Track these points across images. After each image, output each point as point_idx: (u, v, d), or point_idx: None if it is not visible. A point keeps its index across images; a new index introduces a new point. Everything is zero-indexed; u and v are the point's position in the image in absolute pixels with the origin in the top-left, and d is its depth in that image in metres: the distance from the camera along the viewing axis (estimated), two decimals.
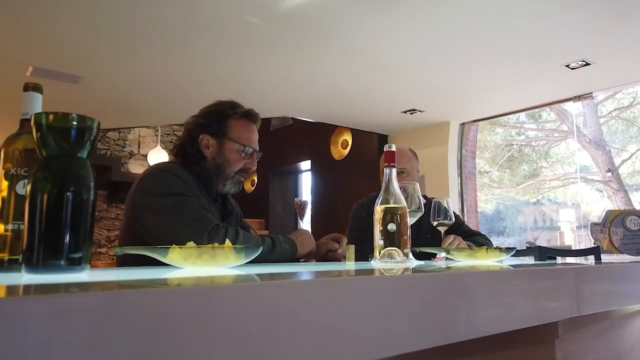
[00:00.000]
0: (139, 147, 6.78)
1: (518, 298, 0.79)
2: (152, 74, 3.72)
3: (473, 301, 0.70)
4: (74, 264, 0.62)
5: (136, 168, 6.56)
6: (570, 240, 4.50)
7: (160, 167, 1.48)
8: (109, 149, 6.56)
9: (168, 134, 7.05)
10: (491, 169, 8.13)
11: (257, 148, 1.56)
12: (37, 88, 0.75)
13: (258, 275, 0.66)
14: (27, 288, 0.47)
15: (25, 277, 0.59)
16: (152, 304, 0.37)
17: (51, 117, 0.63)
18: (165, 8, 2.78)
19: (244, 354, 0.42)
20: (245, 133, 1.53)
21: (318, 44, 3.25)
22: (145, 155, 6.56)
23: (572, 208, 5.63)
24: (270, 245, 1.40)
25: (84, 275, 0.63)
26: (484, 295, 0.72)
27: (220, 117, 1.52)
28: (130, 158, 6.69)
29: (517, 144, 8.20)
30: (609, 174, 6.90)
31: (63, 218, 0.62)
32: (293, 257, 1.45)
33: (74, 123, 0.65)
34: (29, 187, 0.62)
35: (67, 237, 0.61)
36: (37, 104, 0.74)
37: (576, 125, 6.79)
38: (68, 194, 0.62)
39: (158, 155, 5.78)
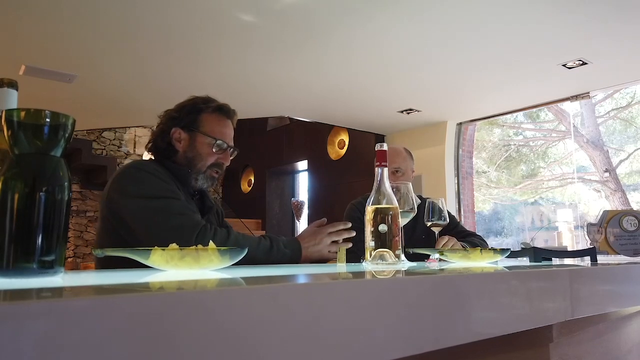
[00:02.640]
0: (134, 147, 6.75)
1: (511, 301, 0.77)
2: (147, 72, 3.69)
3: (463, 305, 0.68)
4: (47, 267, 0.59)
5: None
6: (568, 240, 4.49)
7: (135, 165, 1.42)
8: (104, 149, 6.53)
9: None
10: (489, 169, 8.12)
11: (232, 143, 1.52)
12: (12, 84, 0.72)
13: (240, 278, 0.63)
14: None
15: None
16: (125, 310, 0.35)
17: (23, 113, 0.61)
18: (160, 6, 2.76)
19: None
20: (218, 127, 1.49)
21: (315, 43, 3.23)
22: (141, 155, 6.53)
23: (570, 208, 5.62)
24: (268, 248, 1.32)
25: (58, 278, 0.60)
26: (474, 299, 0.70)
27: (193, 110, 1.48)
28: (126, 158, 6.66)
29: (515, 144, 8.20)
30: (607, 174, 6.90)
31: (35, 219, 0.59)
32: (296, 262, 1.37)
33: (47, 120, 0.63)
34: None
35: (39, 239, 0.59)
36: (12, 100, 0.71)
37: (574, 125, 6.78)
38: (40, 193, 0.60)
39: None
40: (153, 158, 1.51)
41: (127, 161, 6.61)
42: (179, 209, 1.28)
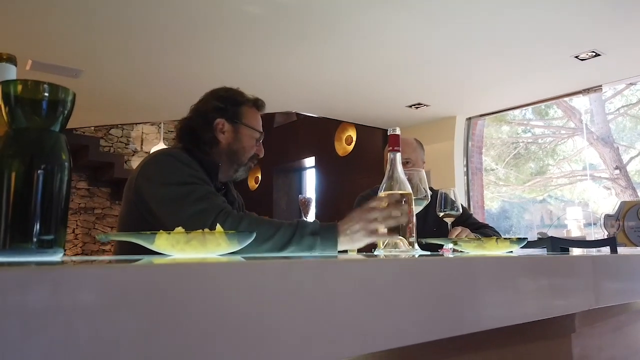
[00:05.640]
0: (141, 144, 6.75)
1: (532, 288, 0.73)
2: (152, 68, 3.68)
3: (484, 290, 0.64)
4: (45, 247, 0.56)
5: None
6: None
7: (164, 152, 1.42)
8: (112, 146, 6.53)
9: (171, 131, 7.01)
10: (497, 167, 8.06)
11: None
12: (11, 59, 0.69)
13: (246, 258, 0.60)
14: None
15: None
16: (131, 280, 0.33)
17: (20, 86, 0.58)
18: (164, 3, 2.74)
19: (226, 342, 0.37)
20: (255, 120, 1.53)
21: (322, 37, 3.19)
22: (149, 152, 6.52)
23: (579, 206, 5.54)
24: (289, 235, 1.18)
25: (57, 259, 0.57)
26: (496, 284, 0.66)
27: (235, 102, 1.50)
28: (133, 155, 6.66)
29: (524, 142, 8.12)
30: (617, 171, 6.82)
31: (33, 196, 0.56)
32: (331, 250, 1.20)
33: (46, 94, 0.59)
34: None
35: (37, 217, 0.56)
36: (10, 76, 0.68)
37: (584, 122, 6.71)
38: (38, 170, 0.57)
39: None
40: (180, 146, 1.49)
41: (134, 158, 6.61)
42: (201, 194, 1.26)
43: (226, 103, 1.48)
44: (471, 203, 4.89)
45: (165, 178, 1.30)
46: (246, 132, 1.49)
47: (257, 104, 1.54)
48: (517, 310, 0.70)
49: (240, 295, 0.39)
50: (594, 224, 5.11)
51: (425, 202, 1.16)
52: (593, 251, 1.41)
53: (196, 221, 1.20)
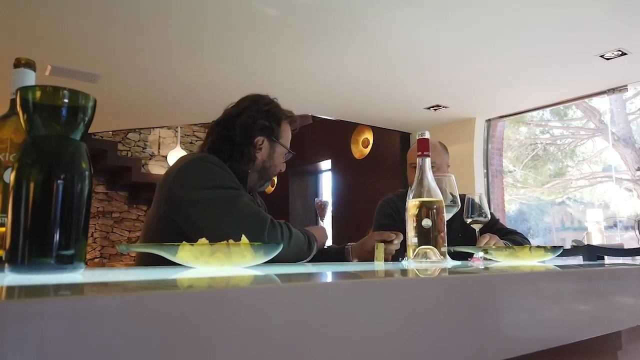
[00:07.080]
0: (159, 148, 6.78)
1: (581, 305, 0.68)
2: (169, 72, 3.68)
3: (532, 308, 0.59)
4: (65, 263, 0.53)
5: (156, 169, 6.56)
6: (599, 241, 4.31)
7: (200, 156, 1.36)
8: (129, 150, 6.57)
9: (188, 135, 7.04)
10: (515, 169, 7.93)
11: None
12: (29, 64, 0.66)
13: (278, 275, 0.56)
14: (10, 290, 0.38)
15: (8, 278, 0.51)
16: (157, 308, 0.30)
17: (39, 92, 0.55)
18: (180, 5, 2.72)
19: None
20: (289, 138, 1.52)
21: (338, 37, 3.15)
22: (165, 156, 6.55)
23: (600, 208, 5.41)
24: (307, 242, 1.34)
25: (77, 275, 0.54)
26: (543, 302, 0.61)
27: (277, 119, 1.47)
28: (150, 159, 6.69)
29: (542, 143, 7.98)
30: (639, 172, 6.67)
31: (52, 209, 0.53)
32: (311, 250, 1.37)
33: (65, 100, 0.56)
34: (13, 174, 0.53)
35: (57, 231, 0.53)
36: (29, 82, 0.65)
37: (603, 122, 6.57)
38: (58, 180, 0.54)
39: (178, 156, 5.76)
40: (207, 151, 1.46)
41: (151, 162, 6.64)
42: (247, 200, 1.26)
43: (271, 121, 1.45)
44: (491, 206, 4.80)
45: (207, 182, 1.26)
46: (280, 151, 1.48)
47: (292, 119, 1.52)
48: (564, 331, 0.65)
49: (277, 319, 0.35)
50: (615, 225, 4.99)
51: (456, 209, 1.11)
52: (619, 259, 1.34)
53: (246, 223, 1.19)
